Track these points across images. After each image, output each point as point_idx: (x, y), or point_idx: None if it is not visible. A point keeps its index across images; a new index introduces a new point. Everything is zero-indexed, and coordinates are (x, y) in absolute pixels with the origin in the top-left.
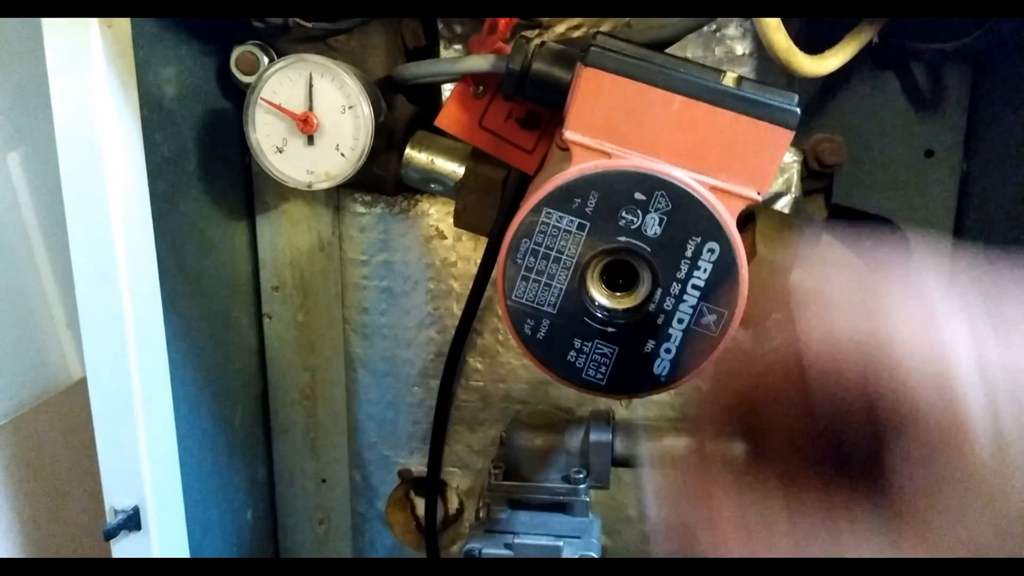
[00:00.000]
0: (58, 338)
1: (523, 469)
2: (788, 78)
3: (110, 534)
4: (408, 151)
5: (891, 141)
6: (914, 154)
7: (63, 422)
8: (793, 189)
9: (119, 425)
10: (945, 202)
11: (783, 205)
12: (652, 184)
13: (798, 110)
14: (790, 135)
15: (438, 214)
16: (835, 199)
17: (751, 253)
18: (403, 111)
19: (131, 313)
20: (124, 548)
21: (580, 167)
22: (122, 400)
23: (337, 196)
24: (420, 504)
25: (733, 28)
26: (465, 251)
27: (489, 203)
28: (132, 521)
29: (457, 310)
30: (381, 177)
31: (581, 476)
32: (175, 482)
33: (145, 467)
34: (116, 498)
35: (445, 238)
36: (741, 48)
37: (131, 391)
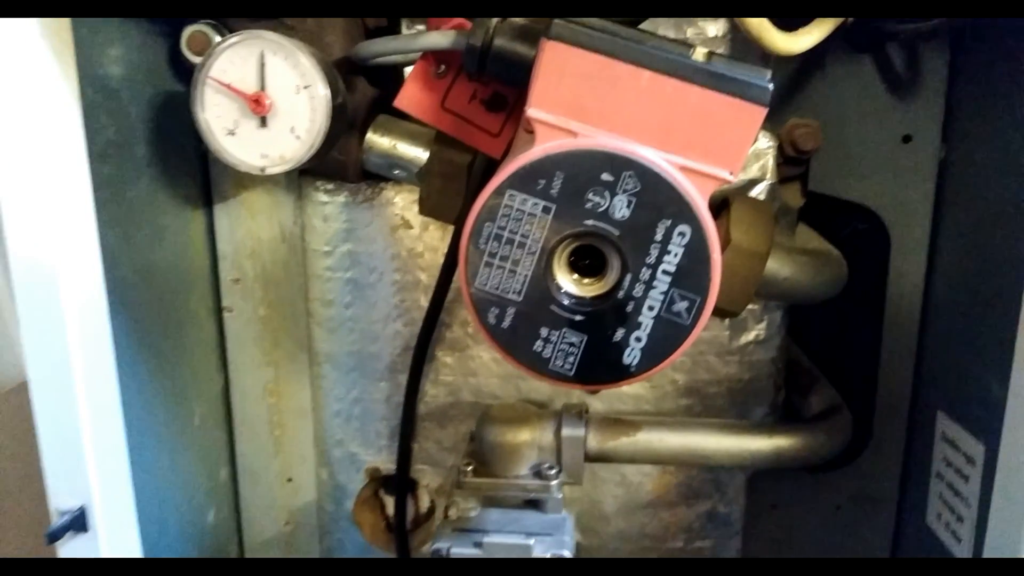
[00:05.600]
0: (9, 335)
1: (493, 465)
2: (763, 61)
3: (54, 536)
4: (369, 135)
5: (868, 126)
6: (892, 139)
7: (11, 420)
8: (769, 175)
9: (62, 422)
10: (924, 189)
11: (759, 192)
12: (620, 164)
13: (770, 86)
14: (763, 112)
15: (404, 202)
16: (812, 186)
17: (725, 240)
18: (364, 93)
19: (72, 303)
20: (70, 551)
21: (544, 146)
22: (64, 396)
23: (299, 184)
24: (390, 503)
25: None
26: (432, 241)
27: (454, 189)
28: (78, 522)
29: (425, 302)
30: (341, 163)
31: (553, 472)
32: (125, 482)
33: (91, 466)
34: (61, 499)
35: (411, 227)
36: (714, 29)
37: (73, 386)
